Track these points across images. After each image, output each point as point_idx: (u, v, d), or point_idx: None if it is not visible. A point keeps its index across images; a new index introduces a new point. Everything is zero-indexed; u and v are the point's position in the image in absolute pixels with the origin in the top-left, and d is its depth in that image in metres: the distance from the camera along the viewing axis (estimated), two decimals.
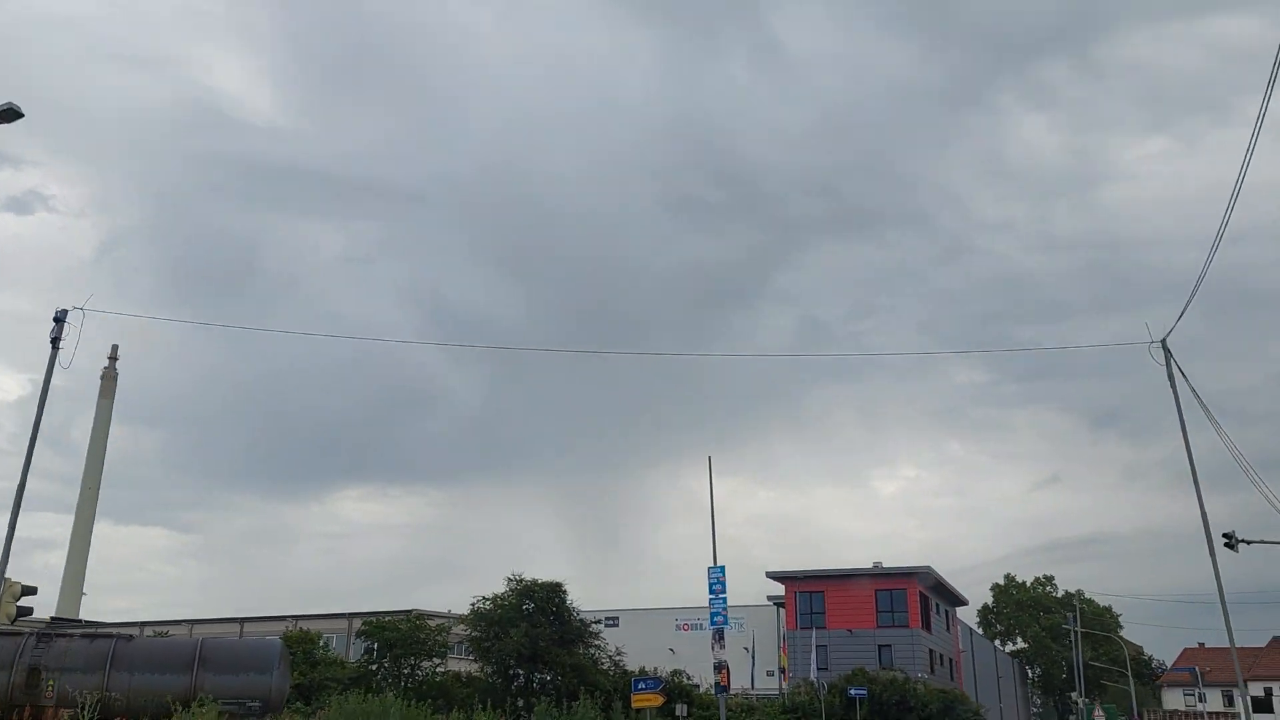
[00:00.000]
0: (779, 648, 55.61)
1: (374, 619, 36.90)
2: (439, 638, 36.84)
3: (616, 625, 73.35)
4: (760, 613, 64.54)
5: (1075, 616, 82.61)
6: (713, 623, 26.95)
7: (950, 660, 62.42)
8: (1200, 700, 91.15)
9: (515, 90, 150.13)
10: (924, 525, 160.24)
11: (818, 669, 46.12)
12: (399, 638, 35.46)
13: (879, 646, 53.13)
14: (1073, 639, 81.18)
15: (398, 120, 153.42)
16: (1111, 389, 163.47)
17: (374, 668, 36.30)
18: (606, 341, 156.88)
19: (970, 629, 76.25)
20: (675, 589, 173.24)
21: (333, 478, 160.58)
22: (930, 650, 56.77)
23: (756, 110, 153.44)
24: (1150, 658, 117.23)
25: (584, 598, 75.14)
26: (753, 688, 51.63)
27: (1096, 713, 57.43)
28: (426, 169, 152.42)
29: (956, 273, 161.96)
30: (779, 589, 58.79)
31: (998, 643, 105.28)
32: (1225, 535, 26.35)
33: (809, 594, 57.18)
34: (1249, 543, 26.21)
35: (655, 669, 37.27)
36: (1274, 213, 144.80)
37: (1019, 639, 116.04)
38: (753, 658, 57.04)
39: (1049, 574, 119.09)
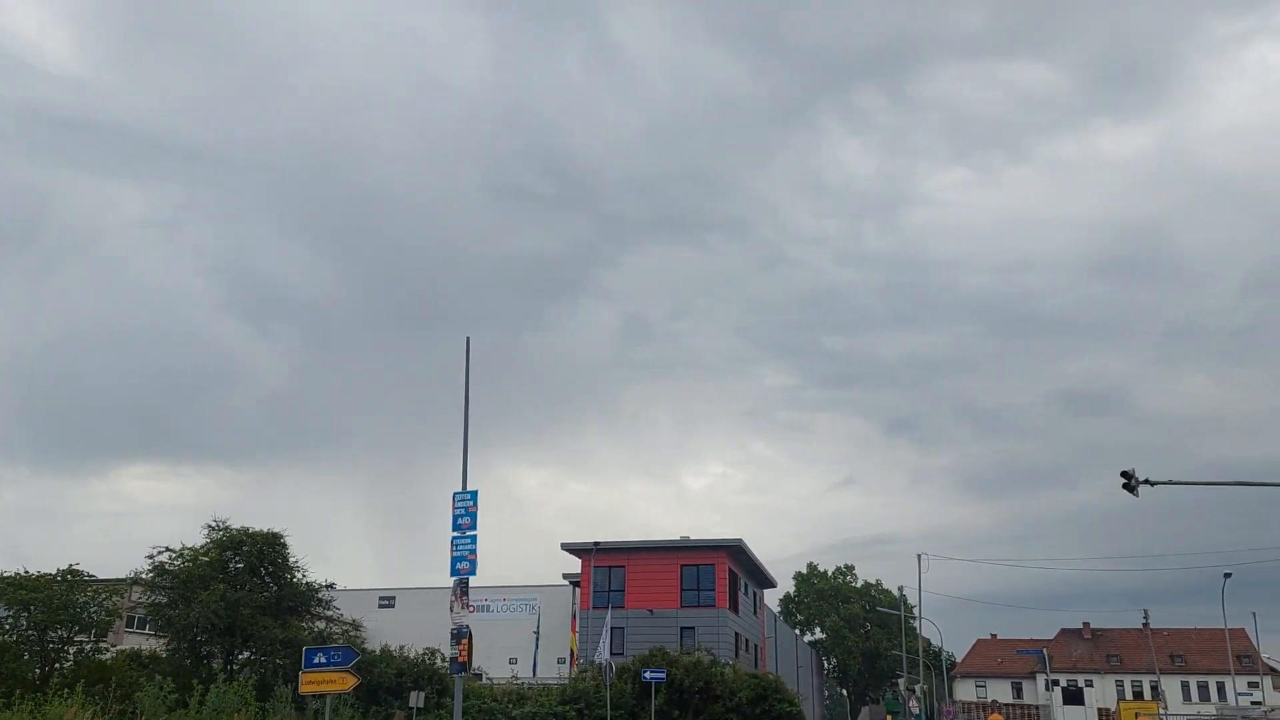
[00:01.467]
0: (570, 630, 48.13)
1: (12, 578, 26.61)
2: (105, 603, 27.01)
3: (392, 606, 64.14)
4: (556, 593, 57.41)
5: (902, 610, 79.25)
6: (454, 571, 18.98)
7: (756, 646, 56.83)
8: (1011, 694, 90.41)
9: (342, 59, 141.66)
10: (728, 520, 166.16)
11: (611, 653, 38.78)
12: (38, 599, 25.45)
13: (682, 629, 46.67)
14: (901, 627, 77.90)
15: (211, 78, 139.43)
16: (905, 399, 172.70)
17: (13, 639, 26.23)
18: (424, 325, 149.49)
19: (775, 615, 71.59)
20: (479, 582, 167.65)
21: (118, 453, 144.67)
22: (737, 634, 50.84)
23: (589, 107, 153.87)
24: (940, 648, 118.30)
25: (376, 584, 66.01)
26: (534, 675, 43.75)
27: (912, 703, 53.19)
28: (239, 132, 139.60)
29: (772, 281, 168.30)
30: (578, 566, 51.48)
31: (798, 632, 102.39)
32: (1124, 474, 20.89)
33: (608, 569, 50.07)
34: (1152, 484, 20.83)
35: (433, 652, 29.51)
36: (1060, 243, 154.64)
37: (818, 629, 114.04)
38: (536, 642, 49.28)
39: (850, 563, 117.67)
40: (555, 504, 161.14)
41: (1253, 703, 78.76)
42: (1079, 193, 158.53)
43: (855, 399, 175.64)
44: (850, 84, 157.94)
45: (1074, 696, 57.96)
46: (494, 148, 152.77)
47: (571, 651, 44.48)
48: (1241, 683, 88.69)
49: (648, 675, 29.76)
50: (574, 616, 48.81)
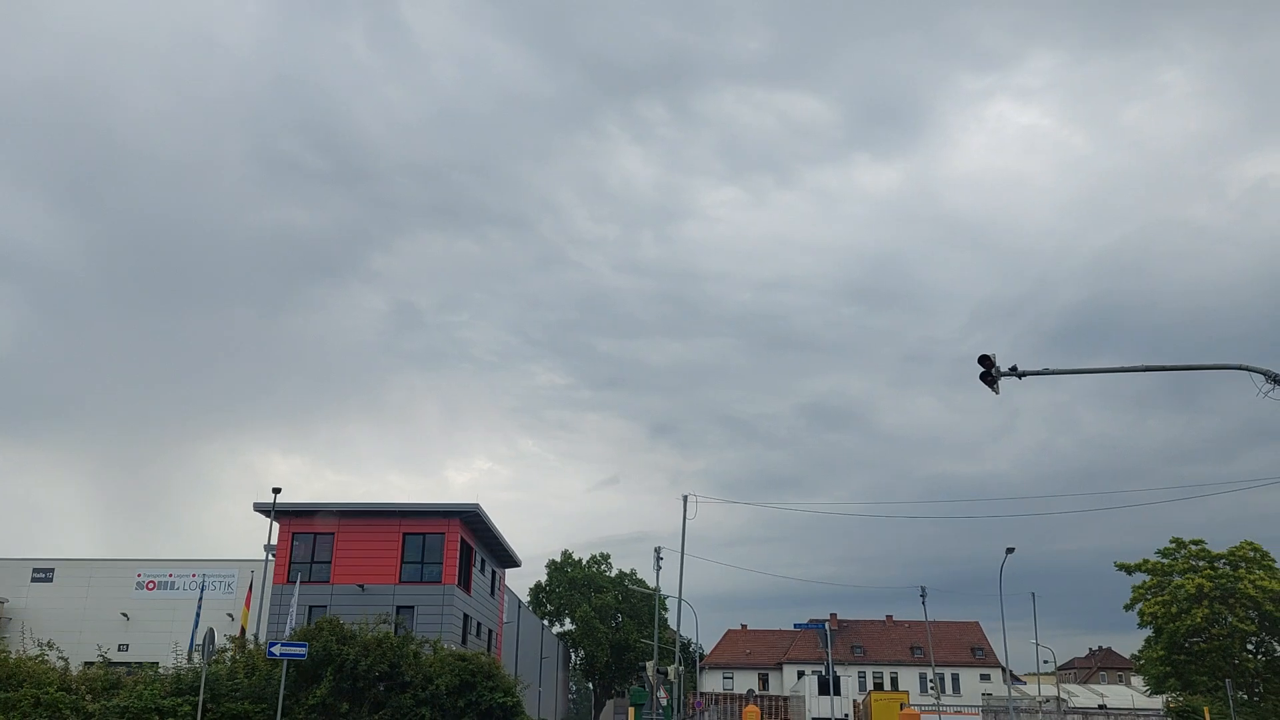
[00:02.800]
0: (244, 606, 39.12)
1: None
2: None
3: (49, 580, 52.26)
4: (259, 569, 47.94)
5: (659, 596, 74.37)
6: None
7: (491, 632, 49.67)
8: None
9: (99, 1, 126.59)
10: (490, 517, 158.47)
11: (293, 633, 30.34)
12: None
13: (399, 607, 38.95)
14: (656, 606, 72.88)
15: None
16: (670, 404, 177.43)
17: None
18: (175, 296, 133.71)
19: (520, 600, 64.77)
20: None
21: None
22: (467, 616, 43.57)
23: (371, 85, 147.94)
24: (690, 641, 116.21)
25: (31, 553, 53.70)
26: (190, 661, 34.38)
27: (661, 692, 47.74)
28: None
29: (549, 280, 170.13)
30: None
31: (546, 622, 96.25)
32: (984, 361, 16.02)
33: (312, 537, 41.49)
34: (1020, 374, 15.85)
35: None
36: (817, 267, 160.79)
37: (569, 620, 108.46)
38: (197, 621, 39.83)
39: (606, 552, 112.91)
40: (306, 492, 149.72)
41: (983, 694, 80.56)
42: (837, 221, 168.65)
43: (623, 401, 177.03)
44: (635, 93, 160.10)
45: (829, 686, 54.74)
46: (264, 116, 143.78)
47: (242, 630, 35.56)
48: (975, 675, 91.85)
49: (276, 650, 21.86)
50: (249, 589, 39.94)
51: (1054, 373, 17.77)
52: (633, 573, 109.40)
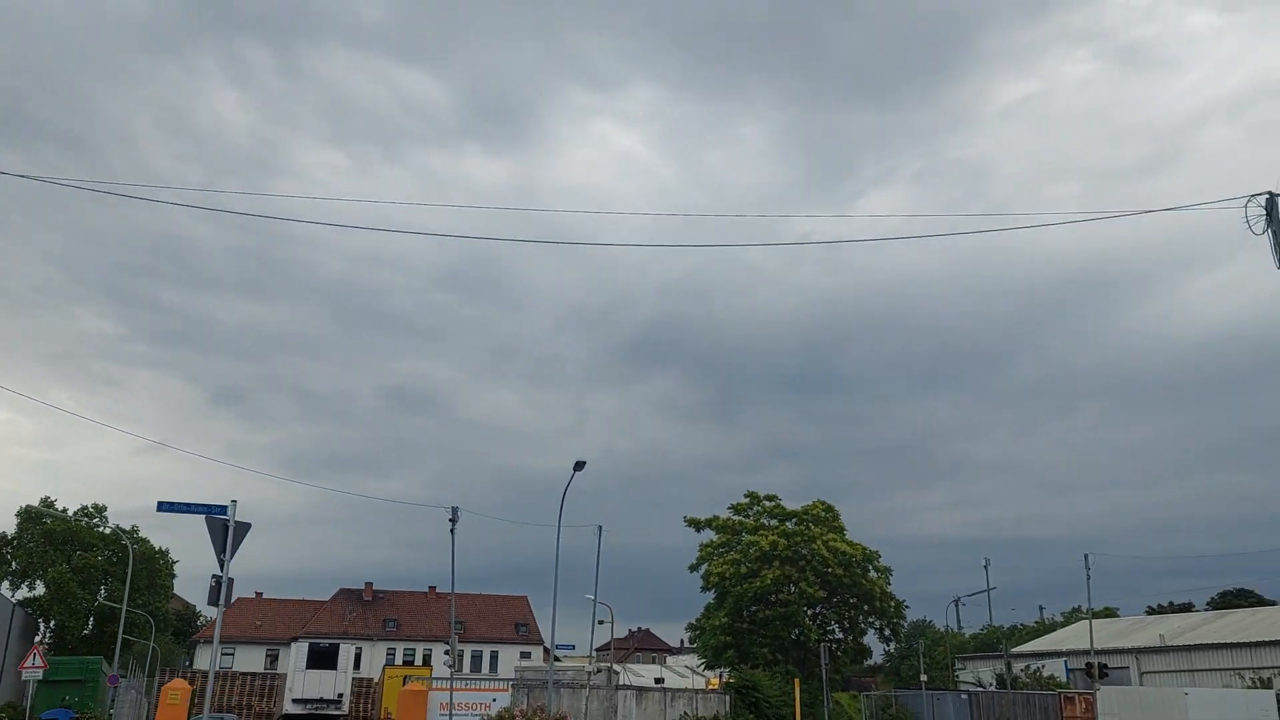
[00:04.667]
0: None
1: None
2: None
3: None
4: None
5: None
6: None
7: None
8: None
9: None
10: (8, 472, 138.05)
11: None
12: None
13: None
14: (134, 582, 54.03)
15: None
16: (238, 369, 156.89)
17: None
18: None
19: None
20: None
21: None
22: None
23: None
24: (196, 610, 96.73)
25: None
26: None
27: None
28: None
29: (112, 214, 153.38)
30: None
31: (7, 586, 72.97)
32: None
33: None
34: None
35: None
36: (416, 248, 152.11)
37: (40, 584, 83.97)
38: None
39: (102, 503, 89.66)
40: None
41: (517, 668, 72.56)
42: (441, 205, 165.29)
43: (185, 361, 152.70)
44: (240, 33, 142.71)
45: (323, 658, 41.57)
46: None
47: None
48: (516, 651, 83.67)
49: None
50: None
51: None
52: (134, 529, 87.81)
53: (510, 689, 33.82)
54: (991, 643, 65.34)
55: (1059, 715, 39.85)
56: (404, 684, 34.02)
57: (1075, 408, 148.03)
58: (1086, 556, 40.10)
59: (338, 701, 43.24)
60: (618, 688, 35.79)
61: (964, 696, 40.13)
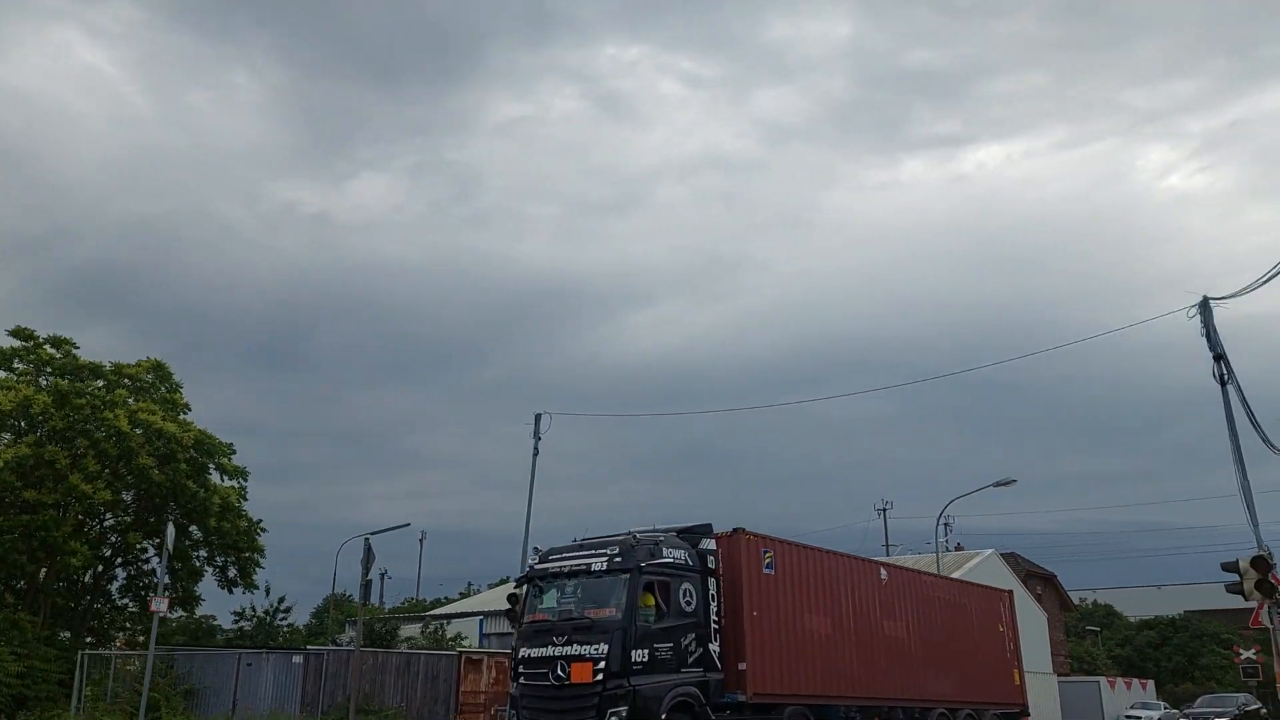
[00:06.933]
0: None
1: None
2: None
3: None
4: None
5: None
6: None
7: None
8: None
9: None
10: None
11: None
12: None
13: None
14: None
15: None
16: None
17: None
18: None
19: None
20: None
21: None
22: None
23: None
24: None
25: None
26: None
27: None
28: None
29: None
30: None
31: None
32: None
33: None
34: None
35: None
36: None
37: None
38: None
39: None
40: None
41: None
42: None
43: None
44: None
45: None
46: None
47: None
48: None
49: None
50: None
51: None
52: None
53: None
54: (419, 612, 51.33)
55: (454, 686, 25.16)
56: None
57: (528, 413, 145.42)
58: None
59: None
60: None
61: (296, 660, 23.87)
